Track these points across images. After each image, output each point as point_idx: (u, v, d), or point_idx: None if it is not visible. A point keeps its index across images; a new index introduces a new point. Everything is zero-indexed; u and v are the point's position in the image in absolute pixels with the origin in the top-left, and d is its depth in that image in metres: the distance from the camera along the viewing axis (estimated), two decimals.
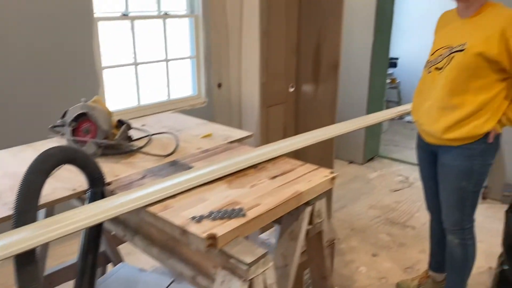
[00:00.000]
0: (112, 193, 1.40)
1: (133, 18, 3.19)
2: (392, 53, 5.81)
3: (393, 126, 5.52)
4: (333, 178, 1.51)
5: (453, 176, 1.95)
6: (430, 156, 2.10)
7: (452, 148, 1.92)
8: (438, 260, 2.35)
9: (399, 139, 5.03)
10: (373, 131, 4.42)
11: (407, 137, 5.01)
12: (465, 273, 2.11)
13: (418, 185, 3.81)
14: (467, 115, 1.83)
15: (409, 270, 2.60)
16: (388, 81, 5.54)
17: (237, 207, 1.25)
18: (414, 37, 5.58)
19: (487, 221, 3.17)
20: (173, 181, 1.40)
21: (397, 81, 5.67)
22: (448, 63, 1.85)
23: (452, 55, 1.84)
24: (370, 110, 4.20)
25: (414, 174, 4.05)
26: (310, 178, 1.48)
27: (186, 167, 1.57)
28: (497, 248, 2.81)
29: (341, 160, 4.44)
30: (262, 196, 1.33)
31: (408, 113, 2.48)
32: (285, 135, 3.16)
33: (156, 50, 3.48)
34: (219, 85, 2.52)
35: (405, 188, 3.78)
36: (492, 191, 3.51)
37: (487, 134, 1.86)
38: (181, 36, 3.61)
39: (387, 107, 6.24)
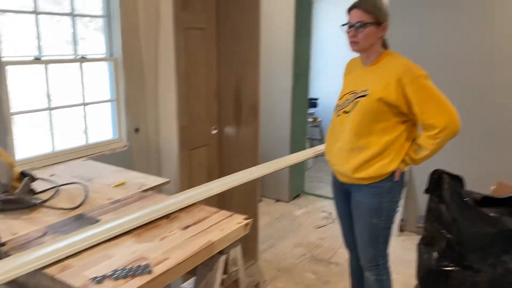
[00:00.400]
0: (6, 254, 1.29)
1: (46, 62, 3.06)
2: (312, 94, 6.10)
3: (317, 163, 5.70)
4: (246, 225, 1.50)
5: (365, 214, 2.03)
6: (344, 195, 2.18)
7: (362, 186, 2.01)
8: None
9: (323, 176, 5.20)
10: (298, 169, 4.54)
11: (330, 173, 5.22)
12: None
13: None
14: (373, 155, 1.94)
15: None
16: (310, 120, 5.77)
17: (143, 263, 1.20)
18: (331, 79, 5.89)
19: (404, 253, 3.32)
20: (75, 238, 1.32)
21: (319, 119, 5.94)
22: (354, 108, 1.96)
23: (357, 100, 1.96)
24: (294, 148, 4.33)
25: None
26: (224, 226, 1.46)
27: (93, 221, 1.49)
28: (414, 279, 2.94)
29: (268, 198, 4.48)
30: (172, 249, 1.29)
31: (323, 153, 2.58)
32: (210, 177, 3.14)
33: (73, 94, 3.35)
34: (137, 130, 2.46)
35: (329, 224, 3.87)
36: (408, 223, 3.70)
37: (393, 173, 1.97)
38: (100, 79, 3.52)
39: (311, 144, 6.46)
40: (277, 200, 4.44)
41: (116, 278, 1.13)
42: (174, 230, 1.42)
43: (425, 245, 2.42)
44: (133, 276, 1.14)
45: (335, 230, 3.73)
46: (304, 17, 4.25)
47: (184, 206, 1.61)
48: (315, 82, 6.14)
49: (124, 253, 1.26)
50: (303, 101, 4.49)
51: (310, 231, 3.73)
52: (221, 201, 3.26)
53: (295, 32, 4.07)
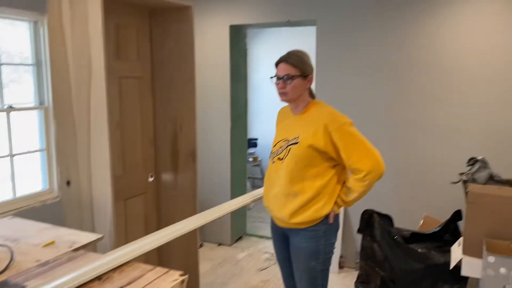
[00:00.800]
0: None
1: None
2: (252, 134, 6.23)
3: (259, 203, 5.71)
4: (182, 282, 1.48)
5: (303, 257, 2.07)
6: (283, 239, 2.22)
7: (299, 231, 2.06)
8: None
9: (265, 216, 5.23)
10: (239, 211, 4.54)
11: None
12: None
13: None
14: (308, 200, 2.01)
15: None
16: (250, 159, 5.86)
17: None
18: (269, 119, 6.08)
19: None
20: None
21: (259, 159, 6.04)
22: (287, 155, 2.04)
23: (289, 147, 2.04)
24: (235, 188, 4.35)
25: None
26: (158, 285, 1.43)
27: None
28: None
29: (210, 242, 4.42)
30: None
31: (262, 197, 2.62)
32: (147, 228, 3.07)
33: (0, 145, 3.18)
34: (68, 183, 2.38)
35: (272, 265, 3.88)
36: (347, 259, 3.80)
37: (327, 216, 2.04)
38: (30, 129, 3.38)
39: (252, 183, 6.53)
40: (219, 244, 4.40)
41: None
42: None
43: (361, 283, 2.50)
44: None
45: (278, 271, 3.73)
46: (239, 62, 4.39)
47: (117, 265, 1.56)
48: (254, 123, 6.28)
49: None
50: (243, 141, 4.57)
51: (253, 274, 3.72)
52: (160, 251, 3.18)
53: (231, 76, 4.18)
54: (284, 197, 2.06)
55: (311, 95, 2.11)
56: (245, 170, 4.72)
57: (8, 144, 3.18)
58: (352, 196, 2.02)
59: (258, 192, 2.65)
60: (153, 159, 3.08)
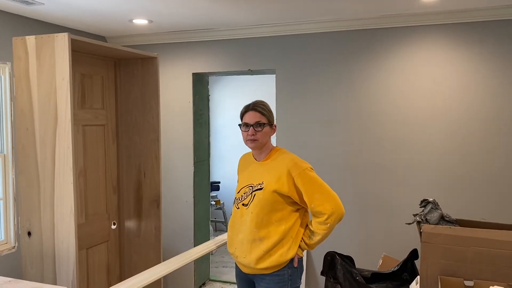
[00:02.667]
0: None
1: None
2: (214, 177, 6.27)
3: (221, 248, 5.70)
4: None
5: None
6: (248, 285, 2.25)
7: (265, 276, 2.11)
8: None
9: (228, 260, 5.20)
10: (202, 256, 4.50)
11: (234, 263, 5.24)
12: None
13: None
14: (273, 244, 2.07)
15: None
16: (213, 203, 5.87)
17: None
18: (231, 162, 6.18)
19: None
20: None
21: (221, 202, 6.06)
22: (252, 200, 2.12)
23: (254, 193, 2.12)
24: (197, 232, 4.33)
25: None
26: None
27: None
28: None
29: None
30: None
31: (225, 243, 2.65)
32: (109, 276, 3.00)
33: None
34: (29, 234, 2.32)
35: None
36: None
37: (292, 260, 2.10)
38: None
39: (215, 227, 6.50)
40: None
41: None
42: None
43: None
44: None
45: None
46: (202, 107, 4.49)
47: None
48: (216, 167, 6.34)
49: None
50: (205, 185, 4.60)
51: None
52: None
53: (194, 121, 4.26)
54: (249, 243, 2.11)
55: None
56: (208, 214, 4.72)
57: None
58: (315, 238, 2.09)
59: (222, 238, 2.68)
60: (116, 206, 3.06)
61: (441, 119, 3.42)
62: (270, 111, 2.18)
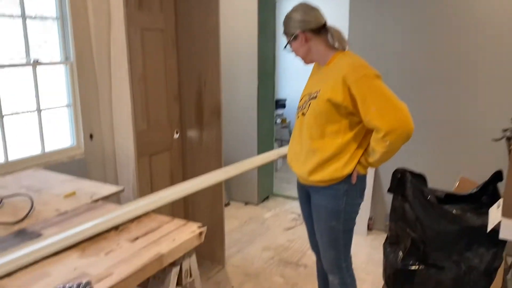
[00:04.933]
0: None
1: None
2: (280, 95, 6.08)
3: (286, 164, 5.66)
4: (200, 234, 1.43)
5: (323, 216, 1.98)
6: (306, 196, 2.14)
7: (319, 188, 1.96)
8: None
9: (292, 176, 5.16)
10: (267, 170, 4.49)
11: None
12: None
13: None
14: (327, 158, 1.89)
15: None
16: (278, 121, 5.74)
17: (84, 280, 1.11)
18: (299, 79, 5.91)
19: (373, 252, 3.31)
20: (11, 256, 1.21)
21: (288, 121, 5.91)
22: (308, 110, 1.92)
23: (309, 101, 1.92)
24: (261, 150, 4.27)
25: None
26: (176, 236, 1.38)
27: (34, 236, 1.38)
28: (381, 277, 2.93)
29: (237, 201, 4.41)
30: (117, 264, 1.21)
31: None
32: (172, 183, 3.05)
33: (27, 100, 3.19)
34: (91, 136, 2.35)
35: (298, 225, 3.84)
36: (376, 222, 3.70)
37: (350, 175, 1.92)
38: (57, 84, 3.37)
39: (280, 146, 6.44)
40: (246, 203, 4.38)
41: None
42: (121, 243, 1.34)
43: (390, 244, 2.41)
44: None
45: (304, 231, 3.68)
46: (268, 18, 4.21)
47: (135, 216, 1.52)
48: (283, 83, 6.12)
49: (64, 271, 1.17)
50: (270, 102, 4.45)
51: (279, 233, 3.69)
52: (186, 208, 3.18)
53: (259, 32, 4.02)
54: (304, 153, 1.96)
55: (333, 47, 1.93)
56: (272, 131, 4.62)
57: (36, 99, 3.19)
58: (375, 157, 1.84)
59: (284, 149, 2.56)
60: (177, 115, 3.02)
61: None
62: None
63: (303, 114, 1.96)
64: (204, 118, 2.96)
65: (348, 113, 1.83)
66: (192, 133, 3.04)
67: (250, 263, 3.17)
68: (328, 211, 1.94)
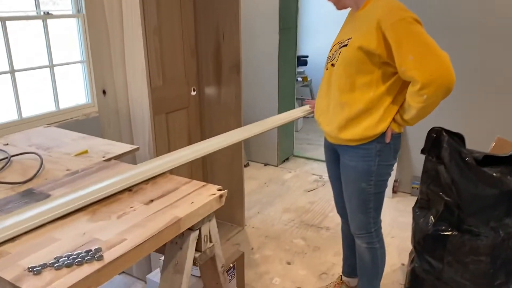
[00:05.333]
0: None
1: (4, 19, 2.77)
2: (302, 51, 5.82)
3: (307, 125, 5.50)
4: (221, 196, 1.31)
5: (353, 177, 1.84)
6: (334, 156, 2.00)
7: (349, 148, 1.81)
8: (350, 264, 2.26)
9: (313, 137, 5.01)
10: (287, 131, 4.34)
11: (320, 134, 4.99)
12: (376, 277, 2.03)
13: None
14: (357, 113, 1.72)
15: (324, 276, 2.50)
16: (299, 79, 5.52)
17: (94, 247, 1.01)
18: (322, 35, 5.62)
19: (398, 215, 3.18)
20: (14, 218, 1.11)
21: (309, 79, 5.68)
22: (337, 59, 1.74)
23: (339, 50, 1.73)
24: (281, 109, 4.11)
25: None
26: (194, 199, 1.26)
27: (42, 197, 1.28)
28: (408, 242, 2.82)
29: (257, 162, 4.30)
30: (130, 228, 1.10)
31: (312, 112, 2.37)
32: (190, 141, 2.94)
33: (40, 56, 3.07)
34: (104, 92, 2.22)
35: (319, 187, 3.72)
36: (401, 184, 3.55)
37: (383, 134, 1.76)
38: (70, 39, 3.23)
39: (301, 105, 6.25)
40: (266, 164, 4.27)
41: (59, 267, 0.93)
42: (136, 205, 1.22)
43: (420, 208, 2.26)
44: (80, 263, 0.95)
45: (326, 193, 3.58)
46: None
47: (149, 176, 1.40)
48: (305, 39, 5.84)
49: (73, 235, 1.07)
50: (292, 58, 4.23)
51: (299, 195, 3.58)
52: (204, 168, 3.07)
53: None
54: (332, 108, 1.79)
55: None
56: (293, 90, 4.42)
57: (47, 54, 3.06)
58: (410, 113, 1.65)
59: (307, 107, 2.39)
60: (195, 71, 2.86)
61: None
62: None
63: (332, 64, 1.78)
64: (223, 74, 2.80)
65: (382, 62, 1.63)
66: (210, 90, 2.88)
67: (270, 225, 3.09)
68: (358, 172, 1.80)
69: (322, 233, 2.96)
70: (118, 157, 1.71)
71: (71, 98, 3.29)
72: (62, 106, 3.19)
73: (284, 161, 4.35)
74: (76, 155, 1.68)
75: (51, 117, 3.09)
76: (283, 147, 4.30)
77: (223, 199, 1.31)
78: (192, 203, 1.23)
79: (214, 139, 1.84)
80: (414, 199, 3.41)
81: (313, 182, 3.84)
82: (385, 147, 1.79)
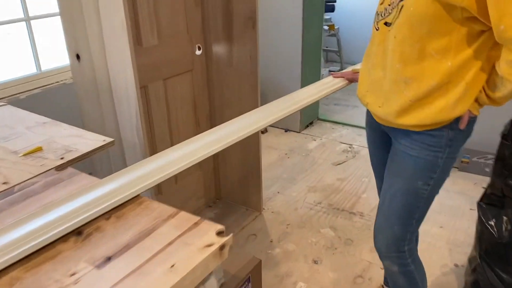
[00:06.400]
0: None
1: None
2: None
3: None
4: (222, 248, 0.81)
5: (409, 172, 1.32)
6: (382, 139, 1.48)
7: (410, 133, 1.28)
8: None
9: (340, 96, 4.40)
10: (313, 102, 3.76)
11: (349, 92, 4.37)
12: None
13: (364, 154, 3.25)
14: (428, 91, 1.18)
15: (359, 281, 2.05)
16: (325, 27, 4.83)
17: None
18: None
19: (446, 197, 2.67)
20: None
21: (336, 27, 4.98)
22: (398, 17, 1.17)
23: (401, 3, 1.15)
24: (306, 61, 3.52)
25: (359, 140, 3.48)
26: (177, 257, 0.77)
27: None
28: (461, 234, 2.33)
29: (276, 128, 3.78)
30: None
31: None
32: (196, 113, 2.43)
33: (13, 6, 2.53)
34: (78, 57, 1.70)
35: (349, 159, 3.20)
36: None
37: (458, 118, 1.23)
38: None
39: (326, 57, 5.60)
40: (286, 130, 3.74)
41: None
42: (80, 270, 0.74)
43: (490, 205, 1.75)
44: None
45: (357, 167, 3.06)
46: None
47: (115, 205, 0.91)
48: None
49: None
50: (319, 2, 3.57)
51: (326, 169, 3.07)
52: None
53: None
54: (389, 85, 1.25)
55: None
56: (320, 41, 3.79)
57: (22, 4, 2.52)
58: (504, 89, 1.14)
59: (339, 81, 1.84)
60: (200, 24, 2.29)
61: None
62: None
63: (386, 24, 1.21)
64: (235, 28, 2.22)
65: (467, 18, 1.08)
66: (219, 49, 2.32)
67: (292, 209, 2.62)
68: (419, 165, 1.28)
69: (355, 221, 2.48)
70: (86, 156, 1.22)
71: (55, 58, 2.78)
72: (44, 67, 2.68)
73: (307, 126, 3.81)
74: (24, 155, 1.19)
75: (32, 81, 2.59)
76: (307, 110, 3.74)
77: (226, 250, 0.82)
78: (172, 266, 0.74)
79: (228, 127, 1.33)
80: (464, 175, 2.89)
81: (342, 152, 3.32)
82: (458, 135, 1.26)
